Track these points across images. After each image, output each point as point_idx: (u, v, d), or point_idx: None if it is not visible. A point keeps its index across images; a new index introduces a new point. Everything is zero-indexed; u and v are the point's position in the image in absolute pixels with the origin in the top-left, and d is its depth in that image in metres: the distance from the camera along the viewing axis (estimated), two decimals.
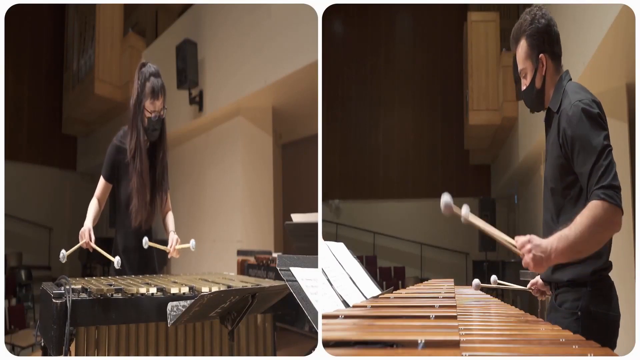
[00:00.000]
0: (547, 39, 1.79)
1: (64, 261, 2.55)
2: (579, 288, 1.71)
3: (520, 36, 1.82)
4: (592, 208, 1.59)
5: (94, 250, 2.70)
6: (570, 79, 1.82)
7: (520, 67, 1.85)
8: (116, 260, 2.65)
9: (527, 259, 1.58)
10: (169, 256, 2.89)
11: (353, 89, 11.55)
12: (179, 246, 2.89)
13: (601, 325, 1.71)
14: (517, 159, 7.68)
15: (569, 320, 1.71)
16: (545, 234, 1.81)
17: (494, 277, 2.28)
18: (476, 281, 2.32)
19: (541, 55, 1.79)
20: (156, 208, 2.95)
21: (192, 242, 2.84)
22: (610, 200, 1.59)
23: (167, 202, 3.03)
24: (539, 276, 1.92)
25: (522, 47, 1.82)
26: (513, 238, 1.64)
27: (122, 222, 2.93)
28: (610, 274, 1.81)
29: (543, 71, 1.80)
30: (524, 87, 1.87)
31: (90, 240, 2.68)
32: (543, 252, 1.57)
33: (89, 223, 2.76)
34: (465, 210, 1.65)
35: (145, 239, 2.79)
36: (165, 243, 2.92)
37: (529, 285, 2.03)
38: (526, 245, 1.58)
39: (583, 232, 1.57)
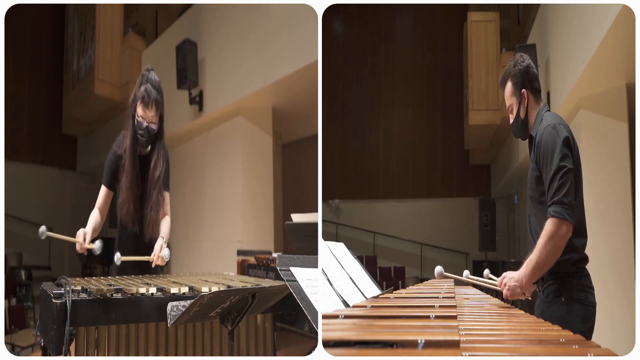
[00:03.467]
0: (527, 78, 2.17)
1: (42, 237, 2.50)
2: (563, 280, 2.01)
3: (507, 79, 2.21)
4: (546, 227, 1.94)
5: (88, 252, 2.68)
6: (548, 110, 2.18)
7: (507, 103, 2.22)
8: (116, 257, 2.67)
9: (504, 291, 2.03)
10: (152, 265, 2.79)
11: (353, 89, 11.55)
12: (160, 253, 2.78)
13: (582, 310, 1.99)
14: (517, 159, 7.68)
15: (554, 307, 2.00)
16: (530, 235, 2.15)
17: (466, 272, 2.29)
18: (439, 269, 2.28)
19: (523, 90, 2.17)
20: (147, 210, 2.88)
21: (166, 252, 2.77)
22: (558, 216, 1.91)
23: (165, 206, 2.98)
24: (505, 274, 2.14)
25: (508, 87, 2.21)
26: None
27: (120, 225, 2.94)
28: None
29: (525, 103, 2.17)
30: (511, 120, 2.23)
31: (84, 243, 2.64)
32: (516, 281, 2.00)
33: (88, 228, 2.73)
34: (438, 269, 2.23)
35: (117, 255, 2.70)
36: None
37: (498, 281, 2.12)
38: (503, 280, 2.04)
39: (542, 252, 1.93)
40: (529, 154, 2.21)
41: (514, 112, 2.20)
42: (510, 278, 2.01)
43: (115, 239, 2.97)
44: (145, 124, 2.80)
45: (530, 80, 2.18)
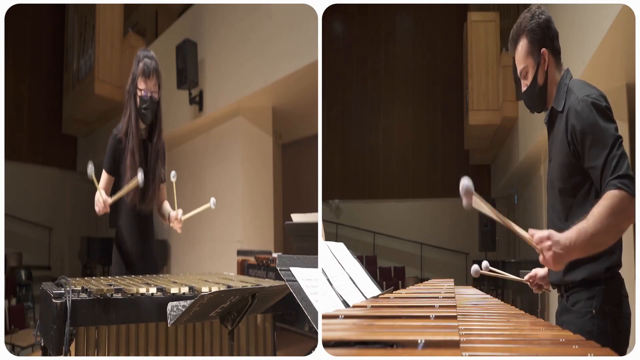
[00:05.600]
0: (547, 34, 1.79)
1: (90, 172, 2.63)
2: (593, 287, 1.67)
3: (521, 34, 1.80)
4: (609, 197, 1.54)
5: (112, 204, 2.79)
6: (572, 77, 1.82)
7: (521, 66, 1.82)
8: (212, 201, 2.90)
9: (546, 256, 1.53)
10: (174, 225, 3.00)
11: (353, 89, 11.55)
12: (195, 211, 3.01)
13: (615, 324, 1.67)
14: (517, 159, 7.68)
15: (583, 320, 1.67)
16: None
17: (485, 263, 2.20)
18: (475, 267, 2.22)
19: (543, 50, 1.78)
20: (148, 191, 2.95)
21: (213, 200, 2.90)
22: (627, 190, 1.55)
23: (162, 192, 3.10)
24: (537, 269, 1.85)
25: (522, 46, 1.80)
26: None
27: (123, 219, 2.94)
28: None
29: (545, 66, 1.79)
30: (524, 88, 1.84)
31: (107, 200, 2.75)
32: (563, 248, 1.52)
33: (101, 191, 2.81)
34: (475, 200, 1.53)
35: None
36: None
37: (526, 277, 1.97)
38: (545, 241, 1.53)
39: (602, 223, 1.53)
40: (547, 134, 1.86)
41: (530, 77, 1.81)
42: (557, 242, 1.52)
43: (116, 237, 2.97)
44: (148, 94, 2.86)
45: (551, 39, 1.80)
